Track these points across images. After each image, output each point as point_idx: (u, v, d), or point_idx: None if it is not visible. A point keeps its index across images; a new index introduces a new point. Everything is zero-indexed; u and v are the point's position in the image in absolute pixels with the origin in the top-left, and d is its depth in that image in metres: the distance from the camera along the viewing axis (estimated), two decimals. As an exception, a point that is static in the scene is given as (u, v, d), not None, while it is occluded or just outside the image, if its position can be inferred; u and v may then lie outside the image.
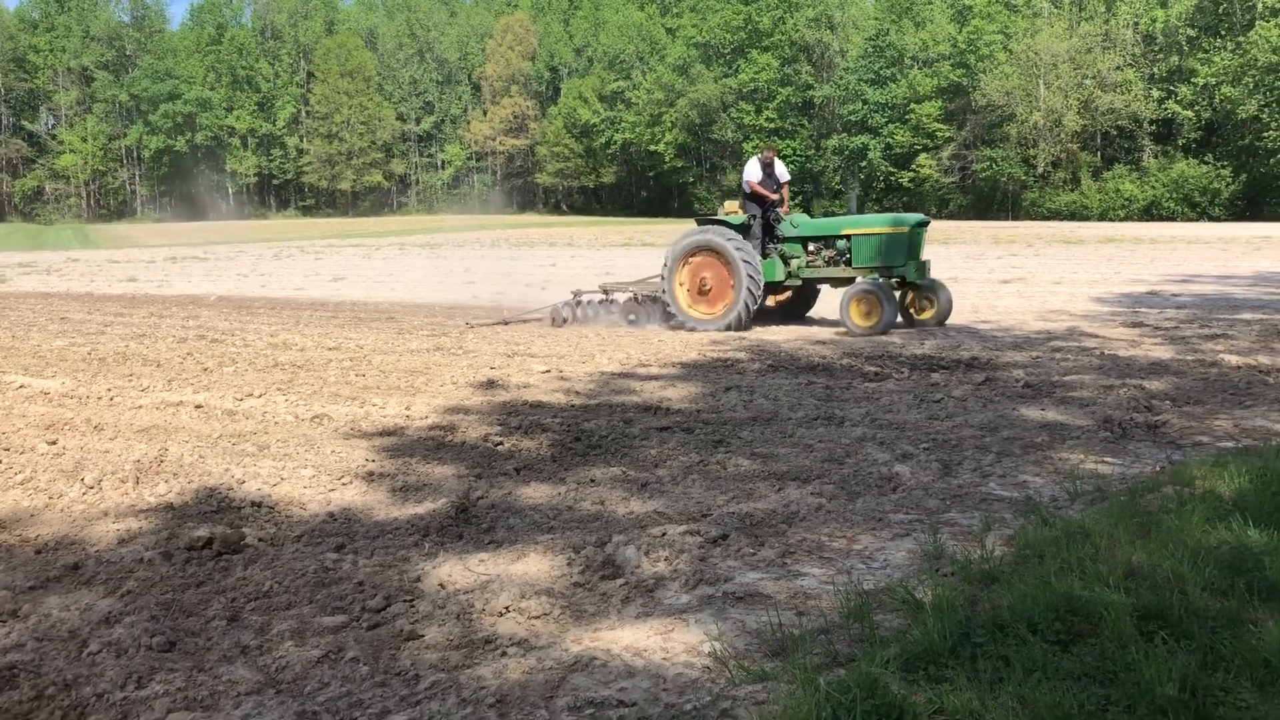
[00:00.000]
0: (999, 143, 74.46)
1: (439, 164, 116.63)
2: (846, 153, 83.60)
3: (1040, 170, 73.24)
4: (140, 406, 8.39)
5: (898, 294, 13.45)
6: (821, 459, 6.27)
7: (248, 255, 40.50)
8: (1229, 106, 66.03)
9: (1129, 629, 3.39)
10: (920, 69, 79.77)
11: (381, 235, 58.33)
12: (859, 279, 13.38)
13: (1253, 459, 5.71)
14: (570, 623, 3.88)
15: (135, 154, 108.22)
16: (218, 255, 40.64)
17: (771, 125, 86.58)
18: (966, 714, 2.96)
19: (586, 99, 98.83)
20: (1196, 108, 68.98)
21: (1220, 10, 69.41)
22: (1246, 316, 14.20)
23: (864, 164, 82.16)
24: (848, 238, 13.85)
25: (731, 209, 14.56)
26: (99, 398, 8.75)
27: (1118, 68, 70.79)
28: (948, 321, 13.74)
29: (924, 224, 14.06)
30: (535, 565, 4.47)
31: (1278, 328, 12.71)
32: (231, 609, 4.06)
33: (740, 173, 15.48)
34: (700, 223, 14.51)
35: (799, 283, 14.35)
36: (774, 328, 14.13)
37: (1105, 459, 6.25)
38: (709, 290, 13.77)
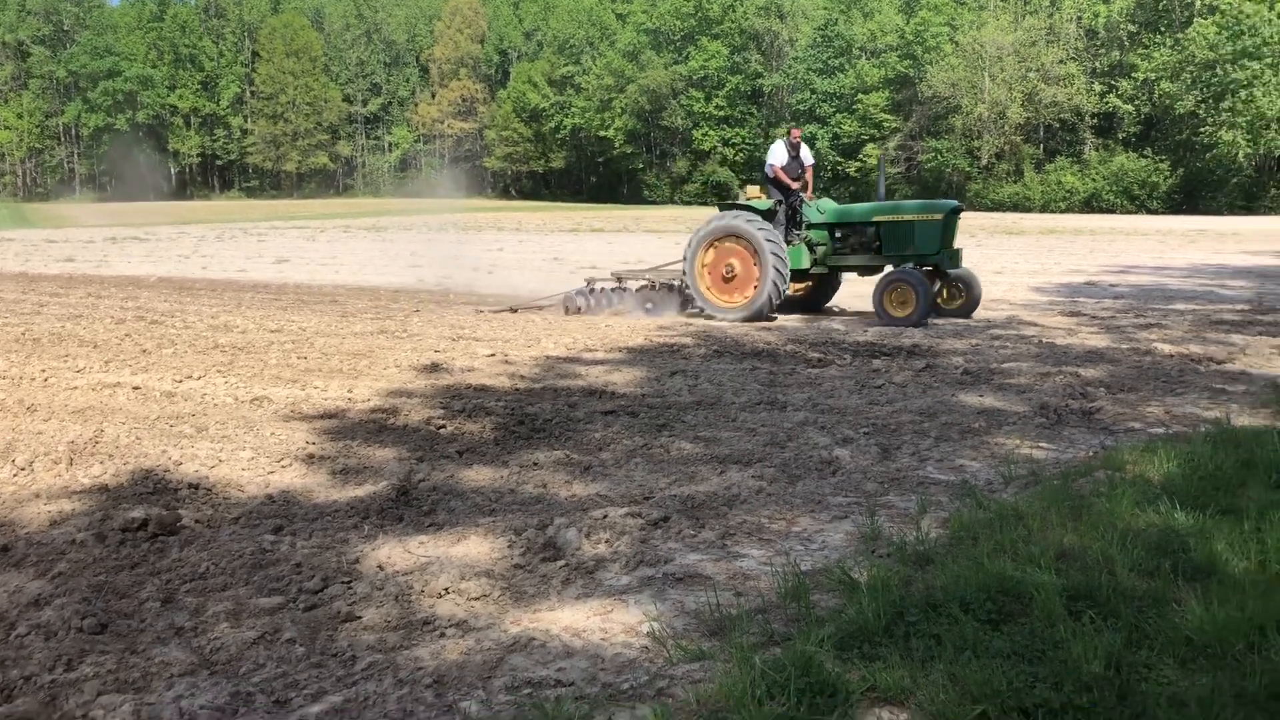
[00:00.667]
0: (944, 134, 75.22)
1: (386, 146, 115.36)
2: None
3: (984, 162, 74.10)
4: (75, 388, 8.23)
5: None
6: (763, 443, 6.32)
7: (190, 236, 39.81)
8: (1167, 102, 67.25)
9: (1058, 608, 3.47)
10: (868, 59, 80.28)
11: (326, 218, 57.59)
12: (890, 267, 13.10)
13: (1181, 445, 5.85)
14: (510, 604, 3.89)
15: (74, 132, 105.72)
16: (159, 236, 39.90)
17: (721, 113, 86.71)
18: (898, 691, 3.01)
19: (536, 83, 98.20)
20: (1136, 102, 70.17)
21: (1160, 7, 70.60)
22: (1180, 307, 14.51)
23: (812, 153, 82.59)
24: (878, 224, 13.42)
25: (754, 194, 14.18)
26: (33, 379, 8.57)
27: (1061, 61, 71.77)
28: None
29: (958, 210, 13.64)
30: (476, 547, 4.46)
31: (1210, 318, 13.01)
32: (166, 591, 4.01)
33: (765, 155, 14.93)
34: (723, 208, 14.11)
35: (825, 271, 14.00)
36: (792, 317, 13.88)
37: (1040, 444, 6.37)
38: (733, 278, 13.31)
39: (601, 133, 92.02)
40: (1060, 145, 74.12)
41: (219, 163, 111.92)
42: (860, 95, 78.56)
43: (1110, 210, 65.28)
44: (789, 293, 13.71)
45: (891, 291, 12.57)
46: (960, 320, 13.09)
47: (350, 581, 4.08)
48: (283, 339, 11.10)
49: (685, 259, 13.63)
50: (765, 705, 2.89)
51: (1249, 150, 63.91)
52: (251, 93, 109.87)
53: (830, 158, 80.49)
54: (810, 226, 13.83)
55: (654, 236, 37.60)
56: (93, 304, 15.42)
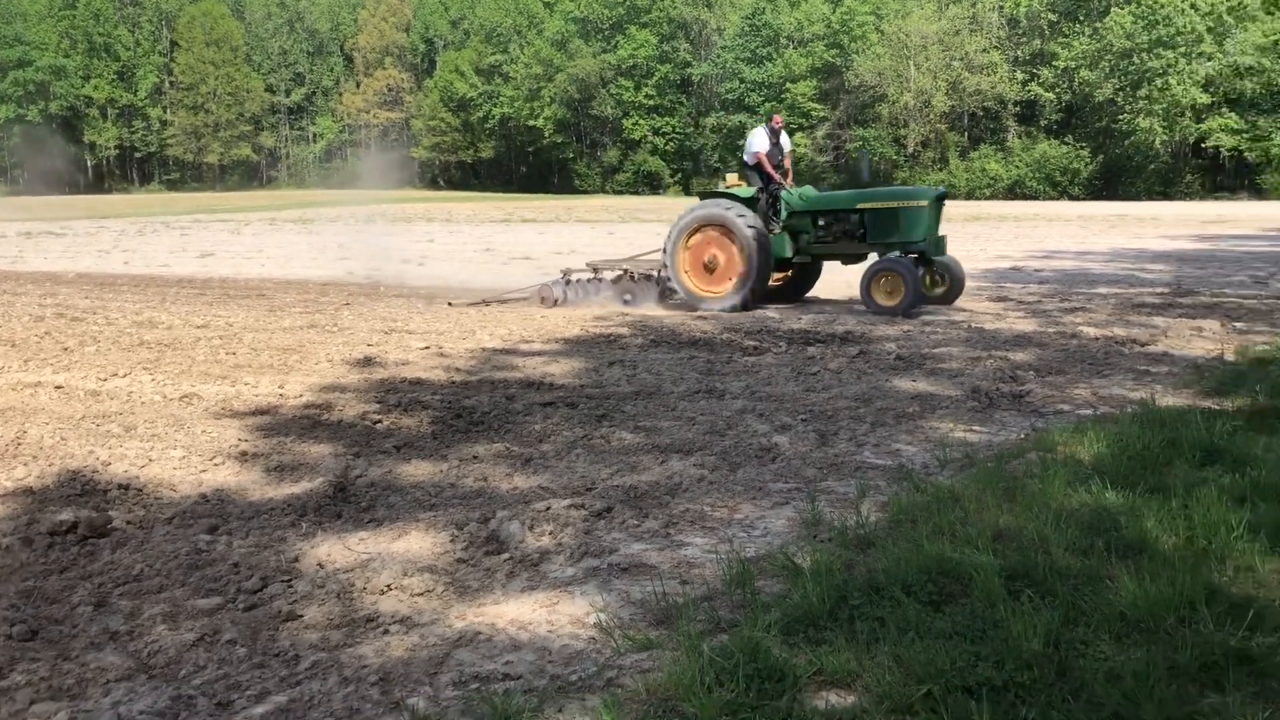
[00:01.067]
0: (871, 123, 76.08)
1: (310, 137, 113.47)
2: (725, 131, 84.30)
3: (910, 150, 75.14)
4: (-6, 388, 7.98)
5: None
6: (703, 431, 6.35)
7: (109, 231, 38.78)
8: (1087, 89, 68.75)
9: (997, 588, 3.53)
10: (795, 49, 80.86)
11: (251, 210, 56.53)
12: (875, 255, 12.93)
13: (1109, 425, 6.00)
14: (454, 599, 3.86)
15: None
16: (76, 231, 38.80)
17: (651, 102, 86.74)
18: (845, 674, 3.04)
19: (463, 72, 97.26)
20: (1057, 90, 71.61)
21: (1079, -4, 72.16)
22: (1103, 291, 14.87)
23: (742, 142, 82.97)
24: (861, 212, 13.12)
25: (733, 182, 13.90)
26: (-52, 379, 8.30)
27: (984, 50, 72.96)
28: (830, 295, 13.83)
29: (943, 197, 13.44)
30: (417, 543, 4.42)
31: (1132, 301, 13.35)
32: (98, 594, 3.92)
33: (745, 142, 14.44)
34: (702, 196, 13.89)
35: (808, 260, 13.77)
36: (763, 307, 13.51)
37: (973, 427, 6.48)
38: (716, 267, 13.06)
39: (531, 122, 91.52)
40: (984, 133, 75.40)
41: (138, 155, 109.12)
42: (788, 84, 79.11)
43: (1033, 196, 66.58)
44: (770, 282, 13.57)
45: (879, 280, 12.35)
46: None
47: (290, 580, 4.01)
48: (210, 334, 10.88)
49: (666, 248, 13.37)
50: (714, 692, 2.91)
51: (1165, 137, 65.66)
52: (170, 83, 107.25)
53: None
54: (792, 214, 13.53)
55: (586, 227, 37.54)
56: (9, 301, 14.96)
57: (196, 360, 9.19)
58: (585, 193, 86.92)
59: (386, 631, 3.57)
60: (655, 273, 13.98)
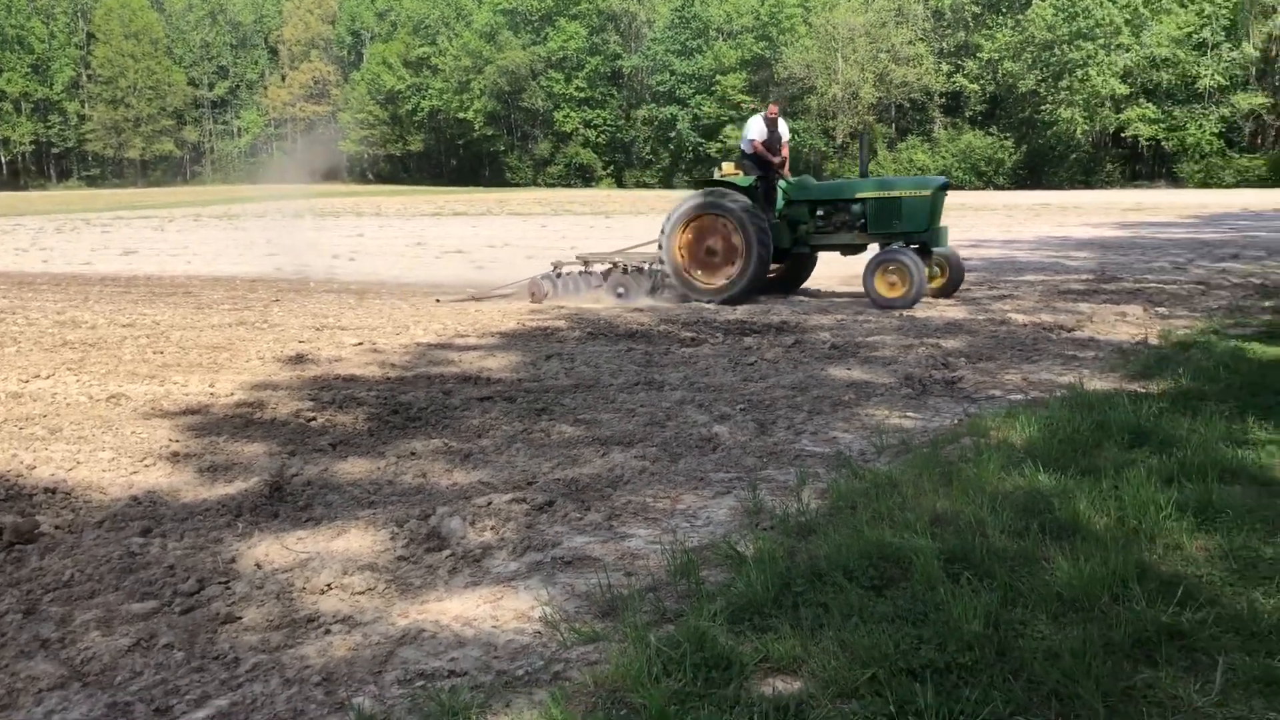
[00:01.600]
0: (801, 114, 76.71)
1: (235, 131, 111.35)
2: (656, 123, 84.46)
3: (839, 141, 75.94)
4: (-91, 392, 7.72)
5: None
6: (643, 423, 6.35)
7: (26, 229, 37.69)
8: (1010, 81, 70.10)
9: (936, 571, 3.59)
10: (725, 41, 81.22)
11: (175, 206, 55.35)
12: (875, 246, 12.69)
13: (1040, 410, 6.13)
14: (396, 596, 3.82)
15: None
16: (-9, 228, 37.67)
17: (582, 94, 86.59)
18: (790, 660, 3.07)
19: (391, 65, 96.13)
20: (981, 82, 72.91)
21: (1002, -11, 73.47)
22: (1030, 278, 15.17)
23: (673, 134, 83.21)
24: (863, 201, 12.76)
25: (730, 171, 13.48)
26: None
27: (910, 42, 73.99)
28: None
29: (946, 187, 13.05)
30: (357, 541, 4.37)
31: (1058, 288, 13.65)
32: (27, 601, 3.81)
33: (741, 130, 14.15)
34: (700, 185, 13.52)
35: (806, 250, 13.38)
36: (757, 299, 13.13)
37: (908, 414, 6.57)
38: (715, 258, 12.71)
39: (460, 115, 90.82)
40: (911, 124, 76.50)
41: (55, 151, 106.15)
42: (719, 76, 79.47)
43: (960, 186, 67.61)
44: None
45: (884, 271, 12.07)
46: (824, 296, 13.40)
47: (228, 582, 3.94)
48: (136, 333, 10.64)
49: (662, 239, 12.98)
50: (662, 682, 2.92)
51: (1086, 127, 67.19)
52: (88, 76, 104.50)
53: (691, 139, 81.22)
54: (791, 204, 13.15)
55: (519, 219, 37.38)
56: (-77, 302, 14.47)
57: (123, 360, 8.98)
58: (517, 185, 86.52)
59: (328, 631, 3.52)
60: (648, 265, 13.62)
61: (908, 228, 12.52)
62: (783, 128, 13.75)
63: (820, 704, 2.82)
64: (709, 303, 12.48)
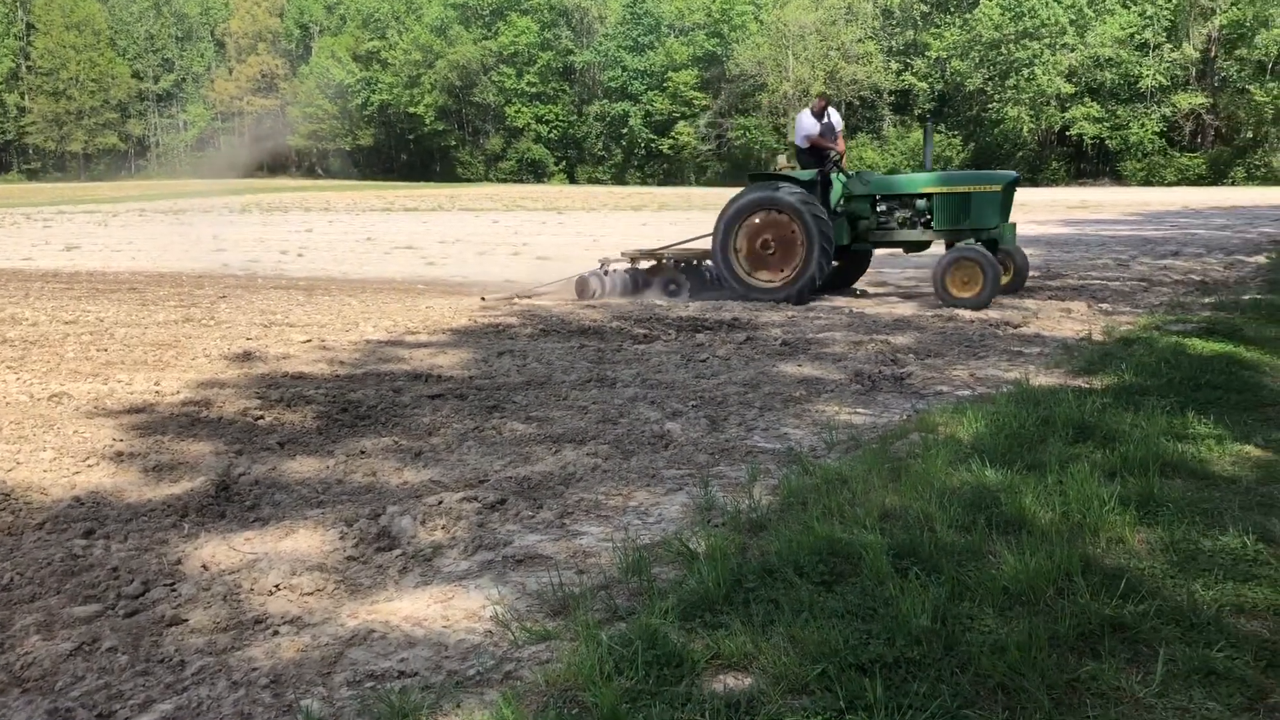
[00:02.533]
0: (752, 111, 77.05)
1: (181, 125, 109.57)
2: (608, 119, 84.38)
3: (790, 139, 76.43)
4: None
5: None
6: (596, 420, 6.35)
7: (-37, 223, 36.86)
8: (958, 79, 70.91)
9: (885, 567, 3.63)
10: (676, 37, 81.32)
11: (120, 200, 54.32)
12: (949, 244, 12.20)
13: (987, 405, 6.21)
14: (345, 597, 3.78)
15: None
16: (-74, 223, 36.78)
17: (534, 89, 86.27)
18: (742, 657, 3.08)
19: (340, 58, 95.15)
20: (930, 80, 73.67)
21: (949, -12, 74.29)
22: (977, 275, 15.32)
23: (625, 131, 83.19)
24: (928, 196, 12.27)
25: (784, 167, 13.07)
26: None
27: (859, 40, 74.55)
28: None
29: (1016, 182, 12.54)
30: (305, 541, 4.32)
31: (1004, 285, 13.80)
32: (-35, 606, 3.72)
33: (793, 127, 13.71)
34: (755, 179, 12.88)
35: (866, 247, 12.94)
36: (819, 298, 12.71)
37: (857, 410, 6.63)
38: (772, 254, 12.12)
39: (411, 109, 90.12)
40: (861, 122, 77.04)
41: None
42: (670, 73, 79.54)
43: (909, 184, 68.32)
44: None
45: (956, 270, 11.58)
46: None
47: (173, 583, 3.88)
48: (79, 330, 10.44)
49: (715, 234, 12.44)
50: (614, 681, 2.92)
51: (1032, 125, 68.14)
52: (28, 68, 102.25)
53: (644, 135, 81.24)
54: (850, 199, 12.57)
55: (470, 215, 37.18)
56: None
57: (65, 357, 8.80)
58: (468, 181, 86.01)
59: (276, 633, 3.48)
60: (699, 261, 13.16)
61: (976, 224, 12.08)
62: (835, 118, 13.30)
63: (771, 700, 2.84)
64: (766, 301, 12.02)
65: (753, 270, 12.35)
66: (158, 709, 3.00)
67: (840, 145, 12.98)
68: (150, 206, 47.31)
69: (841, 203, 12.61)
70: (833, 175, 12.60)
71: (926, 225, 12.42)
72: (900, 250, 13.44)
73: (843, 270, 13.43)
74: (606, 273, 13.32)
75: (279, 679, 3.14)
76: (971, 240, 11.97)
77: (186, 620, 3.59)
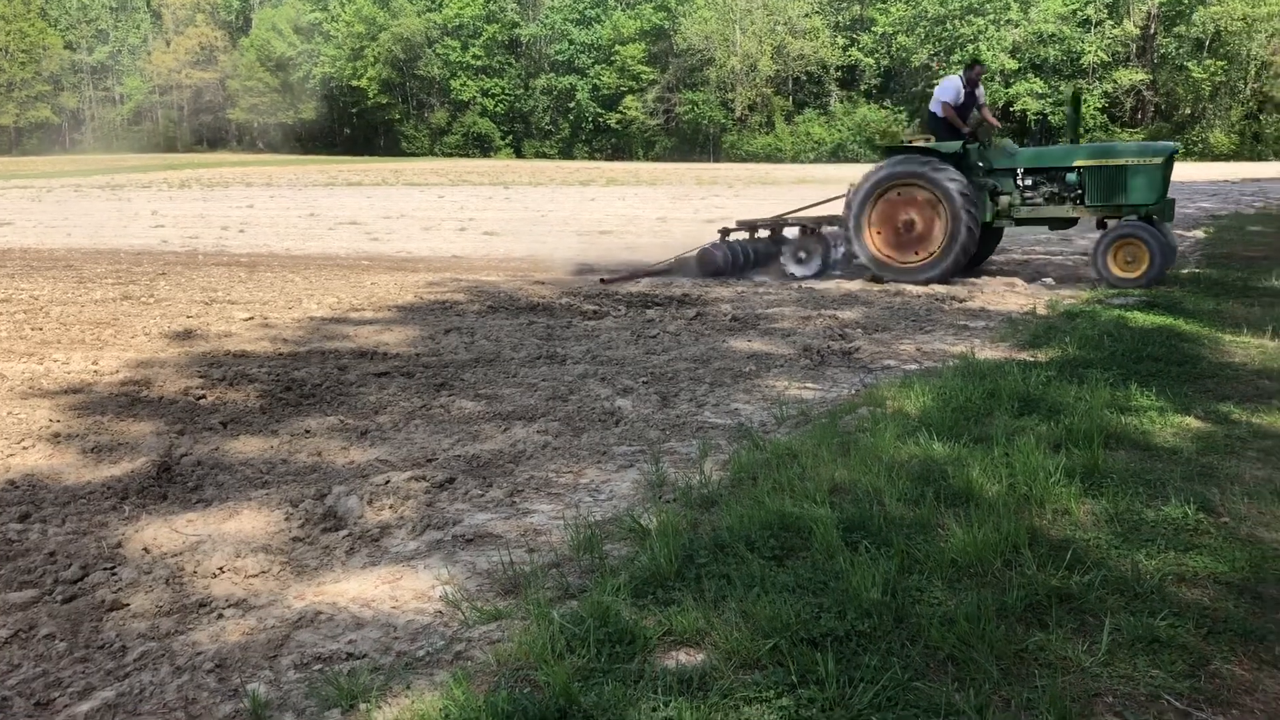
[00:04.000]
0: (700, 86, 76.87)
1: (117, 98, 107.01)
2: (555, 93, 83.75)
3: (738, 114, 76.32)
4: None
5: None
6: (546, 397, 6.31)
7: (-111, 198, 35.74)
8: (904, 55, 71.26)
9: (836, 540, 3.64)
10: (624, 10, 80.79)
11: (53, 176, 53.00)
12: (1100, 221, 11.55)
13: (934, 379, 6.26)
14: (292, 579, 3.73)
15: None
16: None
17: (479, 63, 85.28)
18: (694, 633, 3.08)
19: (281, 30, 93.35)
20: (876, 55, 73.95)
21: (895, -37, 74.50)
22: (923, 250, 15.45)
23: (572, 105, 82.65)
24: (1079, 170, 11.35)
25: (917, 139, 12.16)
26: None
27: (806, 15, 74.58)
28: (666, 258, 13.78)
29: (1175, 153, 11.46)
30: (250, 522, 4.25)
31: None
32: (-105, 594, 3.61)
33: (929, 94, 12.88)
34: (890, 151, 12.03)
35: (1009, 224, 11.97)
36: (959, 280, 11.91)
37: (807, 385, 6.65)
38: (912, 233, 11.34)
39: (354, 82, 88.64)
40: (808, 97, 77.25)
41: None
42: (618, 47, 79.06)
43: (855, 159, 68.65)
44: None
45: (1119, 248, 10.90)
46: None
47: (114, 567, 3.80)
48: (12, 309, 10.17)
49: (848, 210, 11.65)
50: (566, 659, 2.90)
51: (976, 101, 68.67)
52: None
53: (591, 109, 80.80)
54: (992, 172, 11.69)
55: (415, 190, 36.75)
56: None
57: (-3, 337, 8.58)
58: (413, 155, 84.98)
59: (221, 616, 3.42)
60: (821, 228, 12.38)
61: (1134, 200, 11.17)
62: (980, 91, 12.50)
63: (723, 675, 2.84)
64: (905, 284, 11.23)
65: (890, 249, 11.56)
66: (98, 696, 2.93)
67: (987, 115, 12.15)
68: (86, 182, 46.20)
69: (982, 176, 11.71)
70: (971, 148, 11.78)
71: (1077, 201, 11.51)
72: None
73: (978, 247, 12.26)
74: (729, 243, 12.67)
75: (224, 663, 3.09)
76: (1132, 217, 11.20)
77: (127, 605, 3.51)
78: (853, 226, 11.63)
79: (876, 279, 11.52)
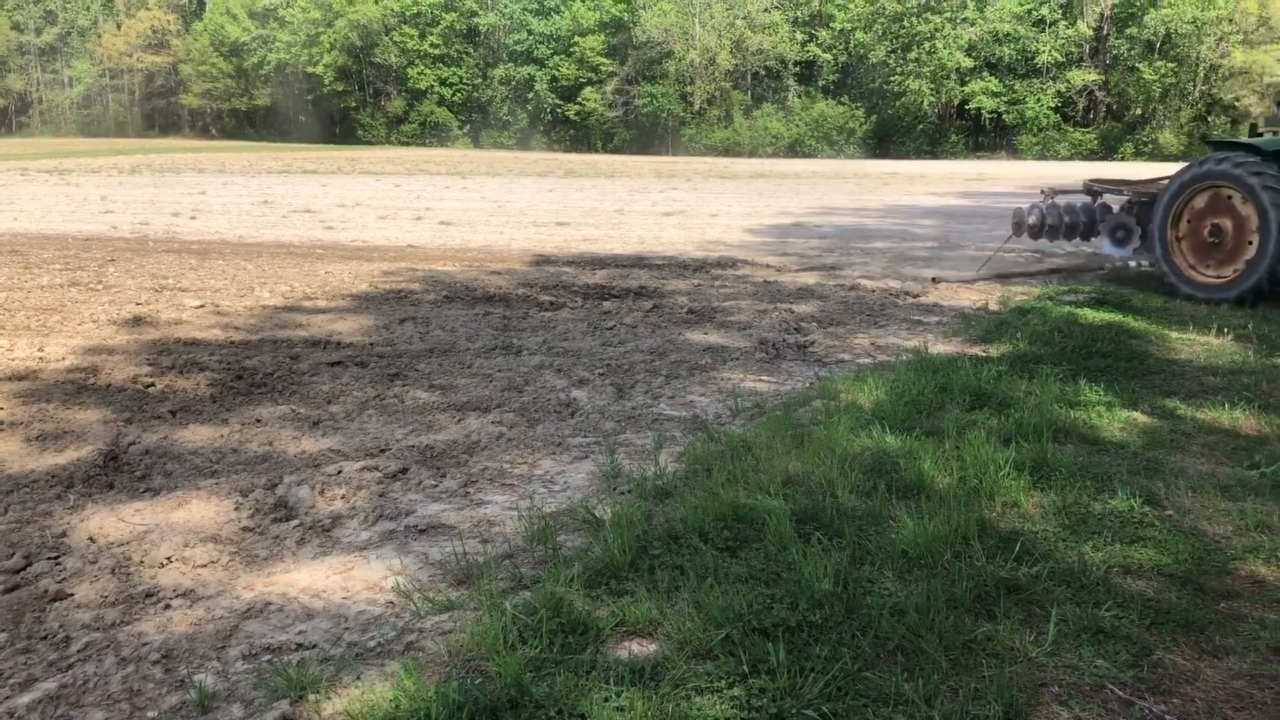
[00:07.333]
0: (659, 79, 76.84)
1: (66, 81, 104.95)
2: (513, 83, 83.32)
3: (697, 107, 76.39)
4: None
5: None
6: (501, 388, 6.28)
7: None
8: (862, 51, 71.68)
9: (789, 532, 3.66)
10: (583, 2, 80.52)
11: (0, 159, 51.94)
12: None
13: (887, 373, 6.31)
14: (241, 569, 3.68)
15: None
16: None
17: (437, 51, 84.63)
18: (647, 623, 3.08)
19: (235, 15, 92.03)
20: (834, 51, 74.33)
21: (854, -40, 74.89)
22: (879, 245, 15.58)
23: (531, 95, 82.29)
24: None
25: (1268, 132, 10.52)
26: None
27: (765, 10, 74.78)
28: (624, 251, 13.82)
29: None
30: (199, 512, 4.20)
31: (905, 255, 14.06)
32: None
33: None
34: (1214, 146, 10.39)
35: None
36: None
37: (762, 377, 6.68)
38: (1220, 244, 9.66)
39: (310, 69, 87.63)
40: (766, 92, 77.45)
41: None
42: (577, 38, 78.81)
43: (812, 155, 69.02)
44: None
45: None
46: (681, 261, 13.49)
47: (58, 557, 3.73)
48: (-45, 294, 9.95)
49: (1155, 216, 10.20)
50: (518, 649, 2.90)
51: (932, 99, 69.30)
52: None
53: (550, 100, 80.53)
54: None
55: (372, 178, 36.40)
56: None
57: (-61, 323, 8.39)
58: (370, 143, 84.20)
59: (168, 606, 3.37)
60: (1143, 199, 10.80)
61: None
62: None
63: (676, 665, 2.85)
64: (1206, 301, 9.63)
65: (1195, 262, 9.96)
66: (40, 687, 2.88)
67: None
68: (34, 166, 45.29)
69: None
70: None
71: None
72: (810, 221, 12.82)
73: None
74: (1051, 205, 11.42)
75: (171, 654, 3.05)
76: None
77: (72, 595, 3.45)
78: (1157, 234, 10.15)
79: (1171, 290, 10.05)
